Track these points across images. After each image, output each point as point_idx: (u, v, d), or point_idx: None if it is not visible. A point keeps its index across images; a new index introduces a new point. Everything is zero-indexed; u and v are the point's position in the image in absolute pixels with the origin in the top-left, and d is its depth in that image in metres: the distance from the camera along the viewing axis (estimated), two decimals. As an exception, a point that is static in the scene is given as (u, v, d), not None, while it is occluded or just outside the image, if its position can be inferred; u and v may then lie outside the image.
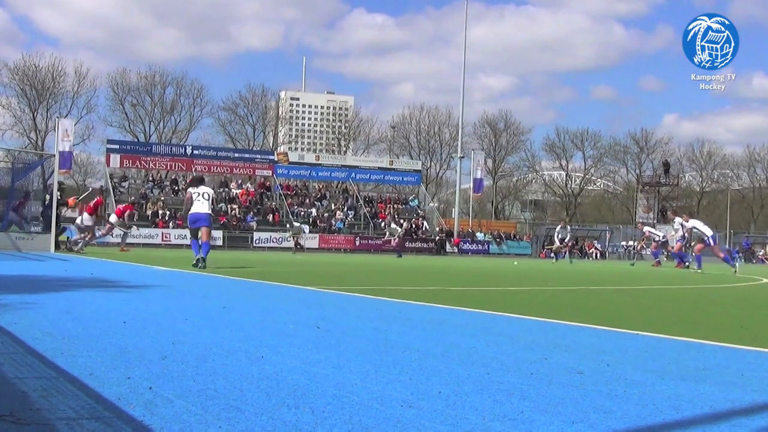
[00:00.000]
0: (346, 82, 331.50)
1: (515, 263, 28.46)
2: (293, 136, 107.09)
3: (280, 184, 54.88)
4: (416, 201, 60.06)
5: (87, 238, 25.79)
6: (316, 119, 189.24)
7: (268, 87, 79.74)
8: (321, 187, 60.00)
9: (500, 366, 3.37)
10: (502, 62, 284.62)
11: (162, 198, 50.03)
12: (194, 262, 13.54)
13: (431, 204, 62.67)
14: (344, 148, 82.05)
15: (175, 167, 53.21)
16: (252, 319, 5.14)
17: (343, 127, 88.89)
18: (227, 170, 53.91)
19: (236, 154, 57.71)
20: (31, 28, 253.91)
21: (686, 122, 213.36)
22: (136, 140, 68.05)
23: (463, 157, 60.23)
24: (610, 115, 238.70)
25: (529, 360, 3.56)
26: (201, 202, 13.93)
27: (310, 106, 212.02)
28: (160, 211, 46.01)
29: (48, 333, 3.97)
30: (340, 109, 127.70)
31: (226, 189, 51.86)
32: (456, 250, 51.94)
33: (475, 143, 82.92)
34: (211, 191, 14.32)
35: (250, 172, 54.56)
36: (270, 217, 49.20)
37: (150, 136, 72.15)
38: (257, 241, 45.76)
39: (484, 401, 2.65)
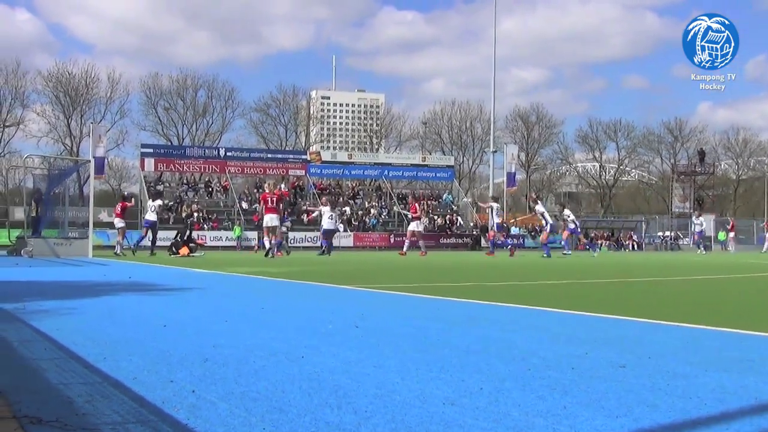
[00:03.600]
0: (376, 80, 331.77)
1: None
2: (325, 135, 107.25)
3: (313, 183, 54.69)
4: (450, 197, 59.75)
5: (121, 242, 26.17)
6: (347, 118, 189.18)
7: (299, 87, 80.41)
8: (354, 185, 60.35)
9: (541, 361, 3.34)
10: (533, 54, 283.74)
11: (196, 200, 50.20)
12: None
13: (465, 199, 62.43)
14: (376, 146, 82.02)
15: (208, 169, 53.34)
16: (290, 319, 5.13)
17: (374, 125, 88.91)
18: (260, 171, 53.86)
19: (269, 155, 57.94)
20: (65, 36, 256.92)
21: (721, 110, 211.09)
22: (169, 144, 68.34)
23: (495, 151, 59.62)
24: (643, 104, 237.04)
25: (570, 354, 3.52)
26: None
27: (341, 105, 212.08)
28: (195, 214, 46.09)
29: (90, 338, 3.98)
30: (371, 106, 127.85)
31: (261, 189, 52.93)
32: (491, 245, 51.59)
33: (508, 137, 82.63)
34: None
35: (283, 172, 54.25)
36: (304, 218, 49.29)
37: (183, 139, 72.58)
38: (292, 242, 46.26)
39: (526, 397, 2.62)
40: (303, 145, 77.70)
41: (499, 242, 29.46)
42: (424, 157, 63.76)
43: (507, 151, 60.24)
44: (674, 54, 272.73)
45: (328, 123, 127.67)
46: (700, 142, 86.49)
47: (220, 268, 13.85)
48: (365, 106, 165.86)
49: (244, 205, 50.57)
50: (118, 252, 25.00)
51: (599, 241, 62.46)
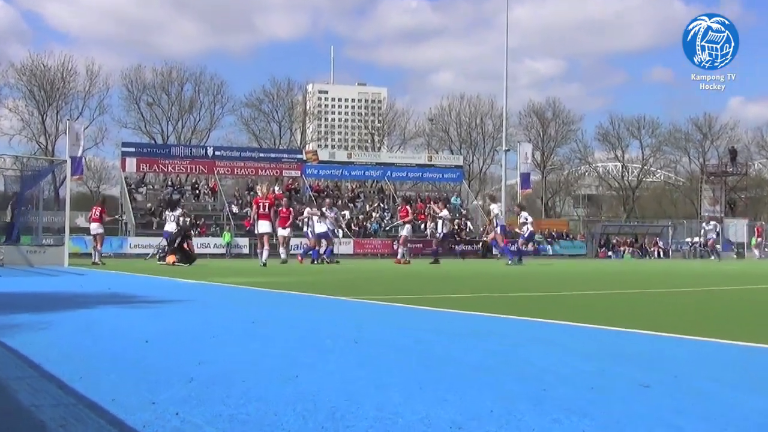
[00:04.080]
0: (378, 73, 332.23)
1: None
2: (322, 133, 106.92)
3: (309, 185, 54.57)
4: (458, 200, 59.81)
5: (99, 249, 26.14)
6: (347, 113, 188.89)
7: (295, 80, 79.87)
8: (354, 187, 59.84)
9: (556, 379, 3.30)
10: (548, 44, 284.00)
11: (183, 203, 50.27)
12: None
13: (475, 202, 62.27)
14: (378, 144, 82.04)
15: (195, 170, 53.25)
16: (283, 334, 5.10)
17: (376, 121, 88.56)
18: (252, 172, 53.98)
19: (261, 154, 58.17)
20: (40, 24, 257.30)
21: (753, 105, 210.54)
22: (152, 142, 68.31)
23: (508, 150, 59.58)
24: (669, 99, 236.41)
25: (588, 372, 3.49)
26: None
27: (340, 100, 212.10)
28: (182, 218, 45.99)
29: (65, 355, 3.96)
30: (373, 101, 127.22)
31: (252, 193, 51.57)
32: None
33: (522, 134, 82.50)
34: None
35: (276, 173, 54.36)
36: (300, 222, 48.93)
37: (168, 137, 72.51)
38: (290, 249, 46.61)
39: (541, 420, 2.58)
40: (298, 143, 77.49)
41: (507, 248, 29.25)
42: (431, 157, 64.07)
43: (521, 149, 59.39)
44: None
45: (326, 119, 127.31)
46: (732, 140, 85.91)
47: (207, 278, 13.79)
48: (366, 100, 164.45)
49: (234, 208, 50.41)
50: (96, 261, 24.87)
51: (621, 248, 62.26)
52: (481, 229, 54.86)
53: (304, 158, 56.31)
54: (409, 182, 63.98)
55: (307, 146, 74.44)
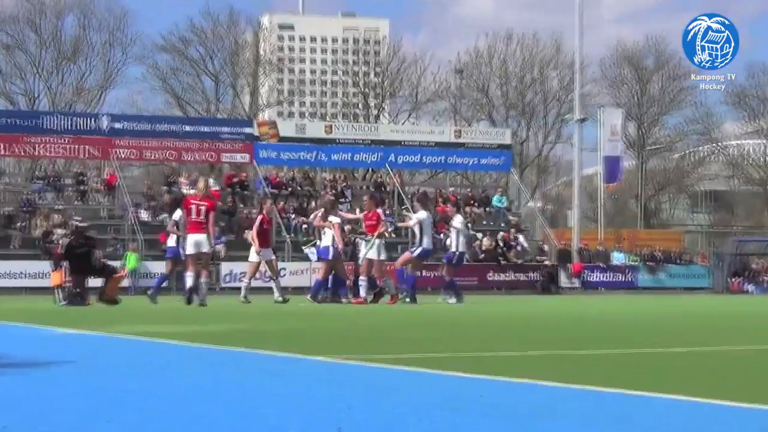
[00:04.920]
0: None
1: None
2: (285, 94, 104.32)
3: (264, 177, 51.90)
4: (503, 199, 55.24)
5: None
6: (324, 62, 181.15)
7: (241, 10, 79.08)
8: (337, 178, 56.54)
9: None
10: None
11: (59, 206, 47.55)
12: None
13: (530, 204, 60.90)
14: (375, 111, 78.80)
15: (81, 153, 51.08)
16: (224, 416, 4.84)
17: (372, 75, 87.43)
18: (173, 155, 52.00)
19: (187, 128, 54.09)
20: None
21: None
22: (11, 108, 66.41)
23: (584, 119, 56.93)
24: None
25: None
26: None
27: (314, 40, 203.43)
28: (58, 231, 41.75)
29: None
30: (366, 42, 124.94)
31: (172, 189, 49.30)
32: (577, 284, 50.67)
33: (606, 95, 76.37)
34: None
35: (211, 157, 52.89)
36: (249, 236, 45.94)
37: (37, 101, 70.46)
38: (227, 278, 44.40)
39: None
40: (246, 110, 75.50)
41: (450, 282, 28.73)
42: (460, 131, 59.64)
43: (604, 119, 56.91)
44: None
45: (291, 72, 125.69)
46: None
47: (100, 326, 13.77)
48: (356, 41, 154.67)
49: (144, 214, 47.91)
50: None
51: (764, 277, 61.41)
52: (538, 244, 54.19)
53: (257, 134, 53.13)
54: (425, 172, 63.47)
55: (261, 115, 74.18)
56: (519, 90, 78.36)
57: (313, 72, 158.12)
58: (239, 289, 28.95)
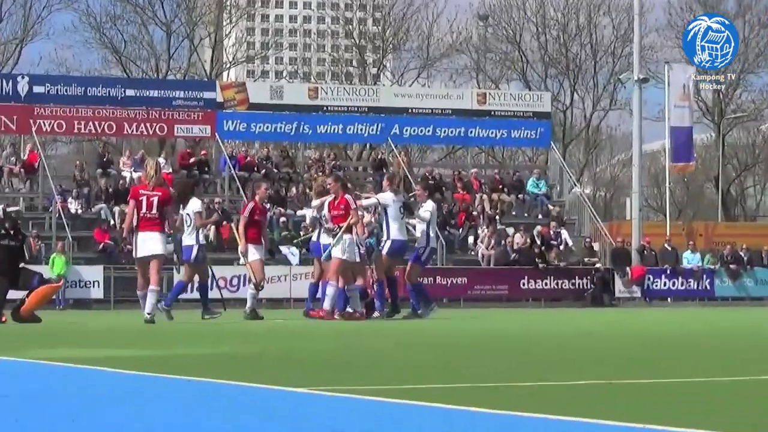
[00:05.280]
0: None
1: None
2: (257, 48, 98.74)
3: (230, 155, 44.66)
4: (541, 184, 47.54)
5: None
6: (308, 5, 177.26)
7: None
8: (325, 157, 47.24)
9: None
10: None
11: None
12: None
13: (575, 190, 51.61)
14: (374, 70, 67.56)
15: None
16: None
17: (370, 22, 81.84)
18: (111, 128, 44.83)
19: (130, 92, 46.43)
20: None
21: None
22: None
23: (646, 79, 48.78)
24: None
25: None
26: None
27: None
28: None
29: None
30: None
31: (110, 172, 44.03)
32: (637, 293, 43.74)
33: (673, 48, 62.91)
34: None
35: (162, 130, 45.41)
36: (211, 232, 37.88)
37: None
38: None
39: None
40: (207, 69, 64.20)
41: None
42: (484, 95, 50.44)
43: (672, 78, 47.48)
44: None
45: (265, 20, 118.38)
46: None
47: (20, 352, 12.43)
48: None
49: (74, 205, 41.65)
50: None
51: None
52: (586, 241, 49.37)
53: (220, 99, 45.83)
54: (440, 148, 61.06)
55: (225, 75, 71.29)
56: (561, 41, 66.28)
57: (293, 19, 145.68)
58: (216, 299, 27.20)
